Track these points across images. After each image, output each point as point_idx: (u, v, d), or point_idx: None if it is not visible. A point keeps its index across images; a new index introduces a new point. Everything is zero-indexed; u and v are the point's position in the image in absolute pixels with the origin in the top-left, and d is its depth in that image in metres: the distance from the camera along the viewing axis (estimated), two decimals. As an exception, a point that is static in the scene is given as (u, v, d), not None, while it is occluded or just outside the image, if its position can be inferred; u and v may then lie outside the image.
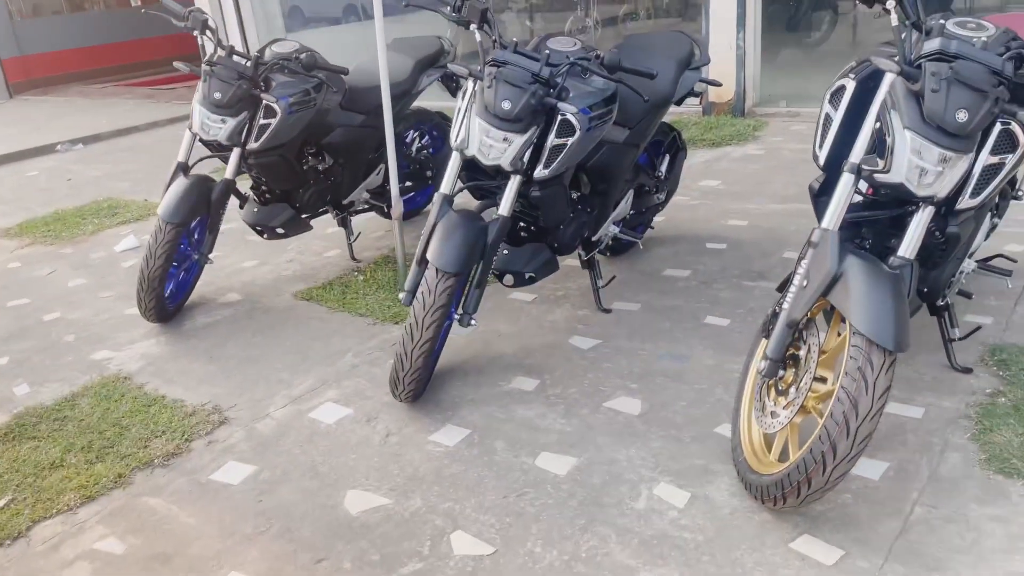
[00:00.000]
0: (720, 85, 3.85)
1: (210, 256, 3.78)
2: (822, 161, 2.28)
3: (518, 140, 2.66)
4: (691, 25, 8.53)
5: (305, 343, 3.43)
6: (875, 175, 2.06)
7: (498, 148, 2.66)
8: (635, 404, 2.71)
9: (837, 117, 2.24)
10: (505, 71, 2.62)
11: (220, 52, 3.61)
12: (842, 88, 2.26)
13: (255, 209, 3.98)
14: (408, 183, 4.60)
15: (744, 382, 2.40)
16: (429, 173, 4.68)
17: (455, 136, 2.85)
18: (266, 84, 3.63)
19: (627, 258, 3.84)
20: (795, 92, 6.61)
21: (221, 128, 3.57)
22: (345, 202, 4.26)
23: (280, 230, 3.98)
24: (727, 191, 4.76)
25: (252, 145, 3.66)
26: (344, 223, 4.31)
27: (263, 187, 4.03)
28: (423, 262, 2.73)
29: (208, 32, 3.66)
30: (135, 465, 2.66)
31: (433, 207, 2.81)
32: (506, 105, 2.59)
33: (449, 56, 4.47)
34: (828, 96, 2.29)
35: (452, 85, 4.51)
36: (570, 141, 2.73)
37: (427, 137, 4.70)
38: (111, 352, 3.52)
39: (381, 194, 4.48)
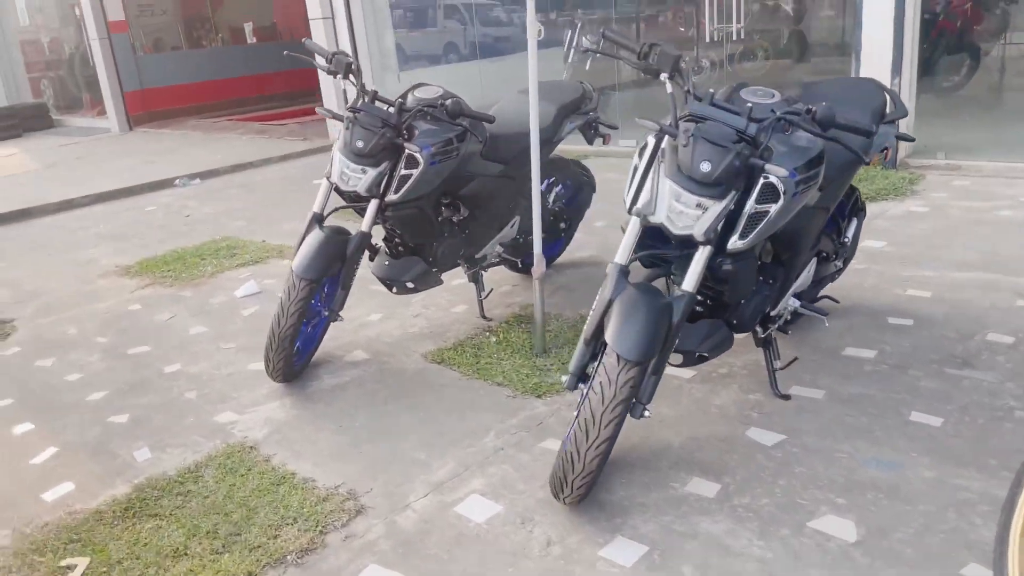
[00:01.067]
0: (914, 140, 3.41)
1: (340, 313, 3.52)
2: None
3: (715, 207, 2.34)
4: (830, 66, 8.09)
5: (440, 416, 3.11)
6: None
7: (690, 215, 2.35)
8: (847, 527, 2.26)
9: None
10: (705, 127, 2.30)
11: (363, 97, 3.38)
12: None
13: (386, 262, 3.73)
14: (543, 235, 4.29)
15: (1014, 512, 1.93)
16: (563, 225, 4.36)
17: (630, 198, 2.52)
18: (408, 132, 3.38)
19: (797, 333, 3.40)
20: (951, 143, 6.05)
21: (361, 179, 3.33)
22: (478, 256, 3.97)
23: (411, 284, 3.71)
24: (895, 254, 4.26)
25: (391, 197, 3.40)
26: (475, 278, 4.01)
27: (396, 240, 3.77)
28: (593, 342, 2.45)
29: (351, 76, 3.43)
30: (266, 561, 2.36)
31: (608, 280, 2.46)
32: (706, 167, 2.27)
33: (592, 102, 4.16)
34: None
35: (591, 133, 4.20)
36: (773, 208, 2.39)
37: (561, 187, 4.38)
38: (235, 415, 3.28)
39: (515, 248, 4.18)
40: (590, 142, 4.26)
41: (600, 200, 4.55)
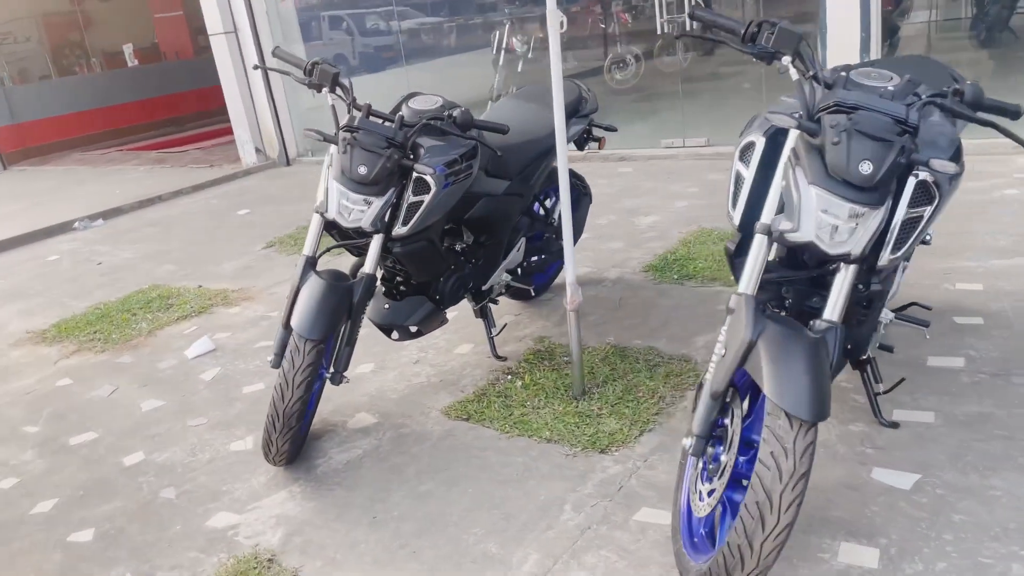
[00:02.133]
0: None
1: (345, 374, 2.93)
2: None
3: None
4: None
5: (495, 490, 2.58)
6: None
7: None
8: (1062, 589, 1.88)
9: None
10: (860, 119, 1.87)
11: (355, 113, 2.81)
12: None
13: (386, 305, 3.17)
14: (543, 255, 3.81)
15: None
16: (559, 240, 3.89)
17: (739, 213, 2.19)
18: (413, 151, 2.84)
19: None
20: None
21: (365, 212, 2.76)
22: (485, 287, 3.45)
23: (415, 328, 3.17)
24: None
25: (400, 230, 2.85)
26: (483, 312, 3.49)
27: (398, 279, 3.21)
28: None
29: (339, 89, 2.86)
30: None
31: (741, 316, 1.97)
32: (866, 168, 1.85)
33: (590, 104, 3.70)
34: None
35: (583, 138, 3.75)
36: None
37: (557, 200, 3.92)
38: (234, 515, 2.65)
39: (524, 273, 3.69)
40: (580, 147, 3.80)
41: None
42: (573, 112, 3.62)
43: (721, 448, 2.02)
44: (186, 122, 13.49)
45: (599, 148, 3.87)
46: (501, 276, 3.52)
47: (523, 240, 3.59)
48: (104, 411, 3.55)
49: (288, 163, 8.96)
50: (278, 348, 2.82)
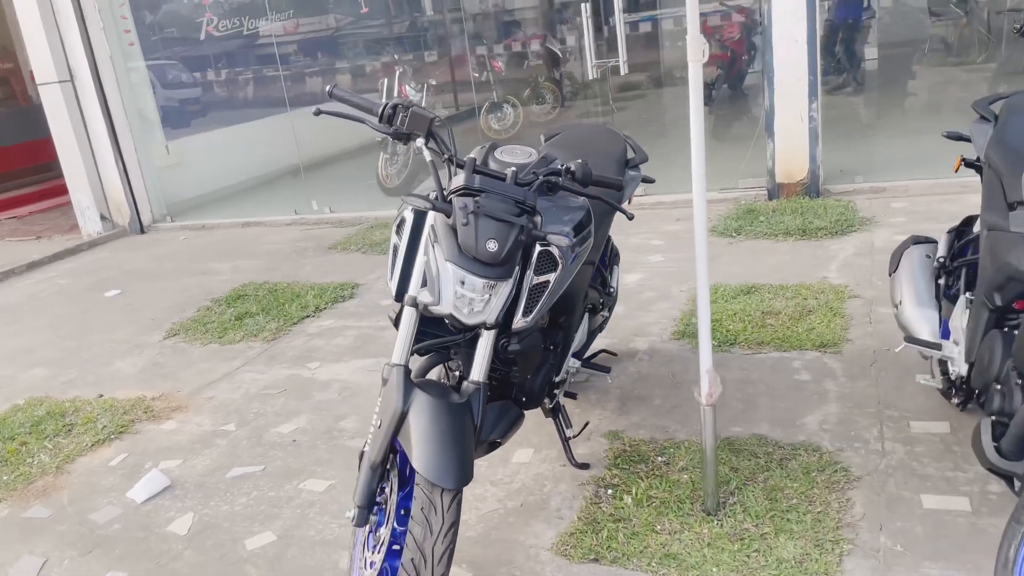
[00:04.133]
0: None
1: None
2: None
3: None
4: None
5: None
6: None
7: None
8: None
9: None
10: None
11: (457, 171, 2.11)
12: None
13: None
14: (593, 333, 3.21)
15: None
16: (607, 314, 3.31)
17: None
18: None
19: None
20: (861, 164, 5.91)
21: (490, 301, 2.06)
22: (557, 378, 2.79)
23: (501, 440, 2.45)
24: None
25: (520, 322, 2.16)
26: (556, 410, 2.82)
27: (493, 382, 2.49)
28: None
29: (434, 139, 2.14)
30: None
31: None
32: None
33: (639, 155, 3.18)
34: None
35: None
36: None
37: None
38: None
39: (589, 358, 3.07)
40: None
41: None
42: (625, 163, 3.09)
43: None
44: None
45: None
46: (570, 363, 2.87)
47: (586, 316, 2.98)
48: (40, 601, 2.50)
49: (142, 230, 7.70)
50: (363, 498, 2.03)
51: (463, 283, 2.03)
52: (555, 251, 2.17)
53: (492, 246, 2.00)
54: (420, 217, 2.26)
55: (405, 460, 2.12)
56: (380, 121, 2.17)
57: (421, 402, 2.00)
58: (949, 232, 2.92)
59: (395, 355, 2.11)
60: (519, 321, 2.16)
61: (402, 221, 2.30)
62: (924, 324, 2.60)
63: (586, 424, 2.98)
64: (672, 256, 4.91)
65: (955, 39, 8.65)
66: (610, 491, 2.66)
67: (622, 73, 5.95)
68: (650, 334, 3.83)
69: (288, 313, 4.76)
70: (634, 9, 7.69)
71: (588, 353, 3.13)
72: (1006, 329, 2.10)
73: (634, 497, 2.60)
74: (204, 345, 4.50)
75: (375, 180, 7.64)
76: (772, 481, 2.59)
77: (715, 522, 2.43)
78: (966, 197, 5.18)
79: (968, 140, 2.79)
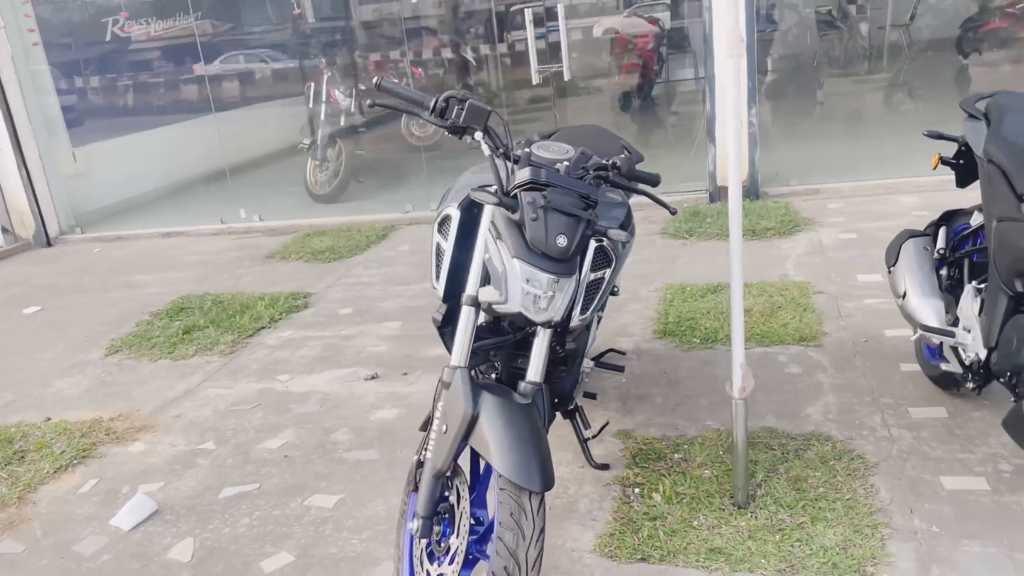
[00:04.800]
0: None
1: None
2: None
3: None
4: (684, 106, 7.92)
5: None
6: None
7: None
8: None
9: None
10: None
11: (510, 166, 2.06)
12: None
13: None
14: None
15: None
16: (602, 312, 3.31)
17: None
18: (579, 213, 2.16)
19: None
20: (791, 168, 6.16)
21: (557, 298, 2.01)
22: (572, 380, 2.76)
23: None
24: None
25: (577, 319, 2.13)
26: (575, 411, 2.79)
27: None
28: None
29: (489, 135, 2.07)
30: None
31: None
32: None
33: (635, 154, 3.19)
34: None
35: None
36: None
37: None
38: None
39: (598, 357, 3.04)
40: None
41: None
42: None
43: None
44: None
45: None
46: (586, 362, 2.85)
47: (602, 312, 2.97)
48: (39, 644, 2.26)
49: (49, 243, 7.17)
50: (428, 508, 1.94)
51: (528, 280, 1.97)
52: (610, 246, 2.16)
53: (562, 241, 1.95)
54: (468, 214, 2.20)
55: (475, 466, 2.05)
56: (430, 113, 2.09)
57: (492, 404, 1.93)
58: (931, 226, 3.07)
59: (455, 357, 2.03)
60: (576, 318, 2.12)
61: (446, 219, 2.23)
62: (931, 312, 2.72)
63: (605, 424, 2.97)
64: (635, 258, 4.96)
65: (840, 53, 9.18)
66: (636, 490, 2.65)
67: (566, 79, 5.99)
68: (632, 334, 3.86)
69: (240, 325, 4.53)
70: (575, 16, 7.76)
71: (595, 353, 3.11)
72: None
73: (663, 495, 2.60)
74: (154, 361, 4.22)
75: (303, 187, 7.40)
76: (794, 471, 2.64)
77: (749, 515, 2.46)
78: (894, 197, 5.49)
79: (949, 139, 2.95)
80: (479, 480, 2.09)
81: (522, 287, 1.98)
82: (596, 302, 2.19)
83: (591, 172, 2.15)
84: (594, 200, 2.03)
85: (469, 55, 8.52)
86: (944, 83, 8.32)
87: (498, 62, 7.71)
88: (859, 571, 2.19)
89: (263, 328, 4.52)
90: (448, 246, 2.21)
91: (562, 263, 1.98)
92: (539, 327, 2.09)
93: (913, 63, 8.24)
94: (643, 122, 8.27)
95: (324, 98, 7.35)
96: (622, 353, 3.38)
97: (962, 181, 3.06)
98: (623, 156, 2.24)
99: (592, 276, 2.19)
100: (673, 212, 2.32)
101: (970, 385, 2.56)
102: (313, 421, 3.39)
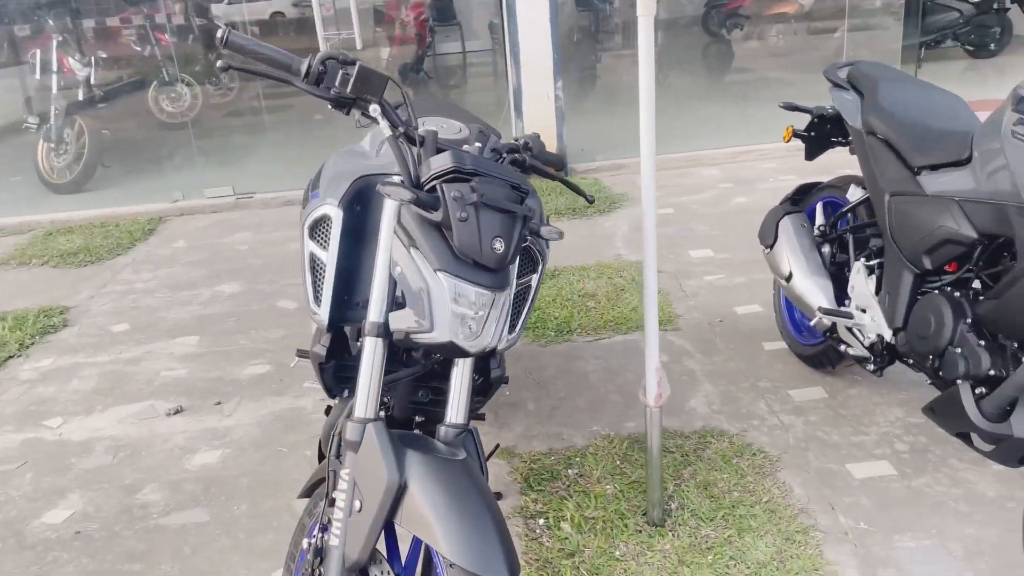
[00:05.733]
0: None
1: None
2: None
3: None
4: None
5: None
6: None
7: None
8: None
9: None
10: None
11: (415, 150, 1.58)
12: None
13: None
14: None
15: None
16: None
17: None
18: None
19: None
20: (596, 142, 6.06)
21: (487, 320, 1.55)
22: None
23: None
24: (715, 260, 3.99)
25: (505, 341, 1.70)
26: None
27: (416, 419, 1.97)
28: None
29: (384, 109, 1.55)
30: None
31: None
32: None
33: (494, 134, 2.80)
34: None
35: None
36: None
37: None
38: None
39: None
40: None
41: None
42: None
43: None
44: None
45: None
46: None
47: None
48: None
49: None
50: None
51: (458, 299, 1.50)
52: (535, 246, 1.76)
53: (499, 246, 1.48)
54: (351, 214, 1.69)
55: (389, 538, 1.57)
56: (304, 80, 1.54)
57: (422, 468, 1.46)
58: (787, 201, 3.00)
59: (361, 407, 1.53)
60: (504, 339, 1.68)
61: (321, 221, 1.70)
62: (821, 293, 2.61)
63: (496, 447, 2.56)
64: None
65: (596, 29, 9.39)
66: (541, 520, 2.29)
67: (358, 48, 5.42)
68: (479, 331, 3.48)
69: (-23, 357, 3.56)
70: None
71: None
72: (948, 291, 2.14)
73: (571, 523, 2.27)
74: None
75: (35, 175, 6.18)
76: (701, 476, 2.43)
77: (671, 534, 2.21)
78: (697, 170, 5.59)
79: (804, 111, 2.86)
80: (395, 556, 1.61)
81: (452, 309, 1.51)
82: (524, 316, 1.78)
83: (505, 156, 1.74)
84: (525, 191, 1.59)
85: (218, 20, 7.59)
86: (701, 58, 8.73)
87: (276, 27, 6.92)
88: (806, 586, 2.00)
89: (11, 358, 3.58)
90: (330, 257, 1.69)
91: (498, 274, 1.55)
92: (465, 356, 1.62)
93: (670, 40, 8.55)
94: (434, 94, 7.87)
95: (55, 68, 6.14)
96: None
97: (811, 153, 3.01)
98: (532, 135, 1.85)
99: (520, 285, 1.79)
100: (591, 200, 1.96)
101: (871, 367, 2.48)
102: (107, 478, 2.67)
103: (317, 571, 1.54)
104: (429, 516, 1.41)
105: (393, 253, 1.55)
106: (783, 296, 3.11)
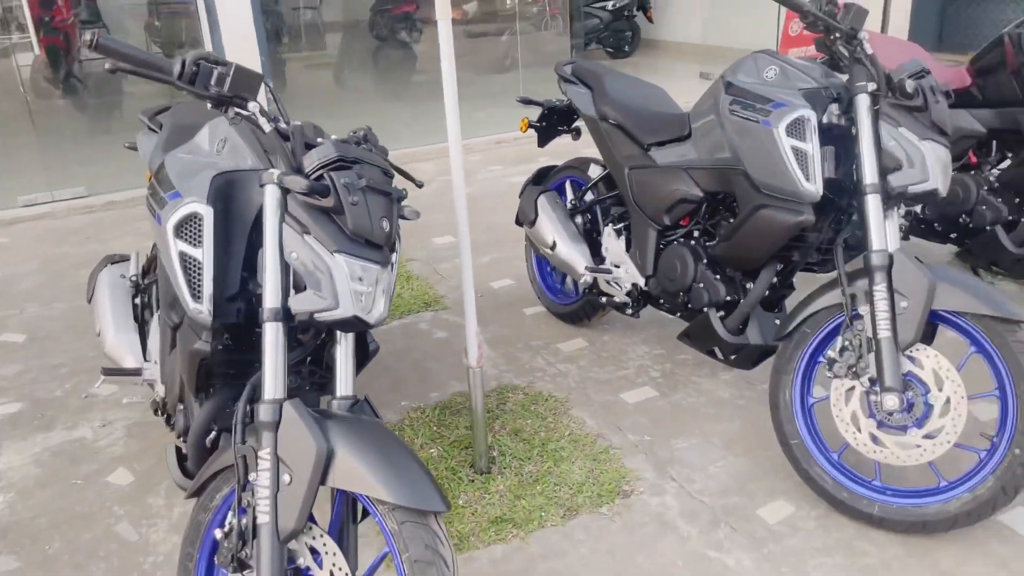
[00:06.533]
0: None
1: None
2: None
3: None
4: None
5: None
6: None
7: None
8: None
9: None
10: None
11: (288, 145, 1.70)
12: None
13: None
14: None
15: None
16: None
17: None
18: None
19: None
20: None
21: (378, 295, 1.72)
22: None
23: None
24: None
25: (380, 311, 1.87)
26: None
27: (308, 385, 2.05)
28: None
29: (260, 107, 1.64)
30: None
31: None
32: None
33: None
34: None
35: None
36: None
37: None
38: None
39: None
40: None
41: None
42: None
43: None
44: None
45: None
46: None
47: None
48: None
49: None
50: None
51: (361, 277, 1.67)
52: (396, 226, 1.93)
53: (385, 225, 1.69)
54: (216, 211, 1.74)
55: (338, 515, 1.67)
56: (179, 80, 1.57)
57: (344, 431, 1.59)
58: (529, 184, 3.44)
59: (271, 389, 1.61)
60: (382, 313, 1.84)
61: (190, 219, 1.72)
62: (581, 257, 3.06)
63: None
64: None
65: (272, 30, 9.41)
66: (383, 490, 2.46)
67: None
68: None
69: None
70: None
71: None
72: (685, 240, 2.69)
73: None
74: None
75: None
76: (509, 425, 2.76)
77: (500, 477, 2.51)
78: (415, 165, 5.91)
79: (537, 104, 3.33)
80: (333, 526, 1.71)
81: (351, 287, 1.66)
82: (392, 291, 1.95)
83: (362, 144, 1.90)
84: (391, 174, 1.79)
85: None
86: (371, 61, 9.01)
87: None
88: (620, 492, 2.42)
89: None
90: (206, 254, 1.72)
91: (383, 250, 1.72)
92: (338, 331, 1.78)
93: (339, 43, 8.70)
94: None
95: None
96: None
97: (543, 141, 3.50)
98: (366, 126, 2.02)
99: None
100: (420, 185, 2.17)
101: (629, 312, 2.99)
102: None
103: (242, 554, 1.60)
104: (362, 471, 1.55)
105: (285, 241, 1.66)
106: (537, 265, 3.56)
